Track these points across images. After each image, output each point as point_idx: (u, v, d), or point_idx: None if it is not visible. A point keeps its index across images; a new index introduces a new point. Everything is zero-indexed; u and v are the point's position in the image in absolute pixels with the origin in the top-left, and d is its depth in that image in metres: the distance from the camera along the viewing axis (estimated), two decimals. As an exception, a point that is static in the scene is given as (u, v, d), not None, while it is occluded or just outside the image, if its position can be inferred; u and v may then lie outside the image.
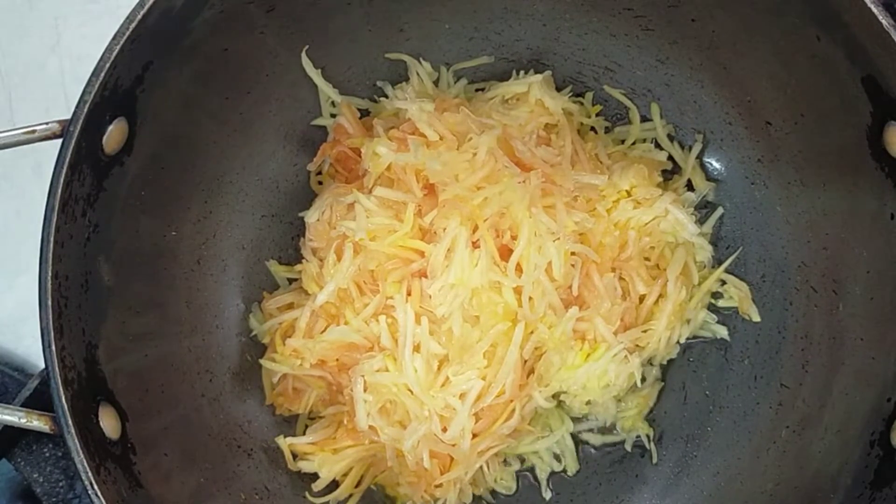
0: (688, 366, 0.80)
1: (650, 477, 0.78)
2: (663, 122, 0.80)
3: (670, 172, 0.81)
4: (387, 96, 0.80)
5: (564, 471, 0.79)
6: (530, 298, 0.71)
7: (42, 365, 0.59)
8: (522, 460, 0.79)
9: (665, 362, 0.80)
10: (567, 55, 0.80)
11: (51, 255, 0.58)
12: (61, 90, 0.88)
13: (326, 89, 0.79)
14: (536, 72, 0.80)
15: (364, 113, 0.81)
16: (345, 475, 0.75)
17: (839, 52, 0.62)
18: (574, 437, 0.79)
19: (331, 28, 0.76)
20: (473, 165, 0.72)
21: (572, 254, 0.73)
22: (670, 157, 0.80)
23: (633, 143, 0.81)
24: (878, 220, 0.66)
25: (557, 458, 0.79)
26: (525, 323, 0.71)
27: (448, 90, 0.80)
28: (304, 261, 0.78)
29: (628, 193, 0.78)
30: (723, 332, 0.79)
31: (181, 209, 0.74)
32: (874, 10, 0.58)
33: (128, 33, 0.59)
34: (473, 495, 0.77)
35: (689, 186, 0.80)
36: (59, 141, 0.59)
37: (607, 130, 0.82)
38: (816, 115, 0.69)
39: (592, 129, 0.82)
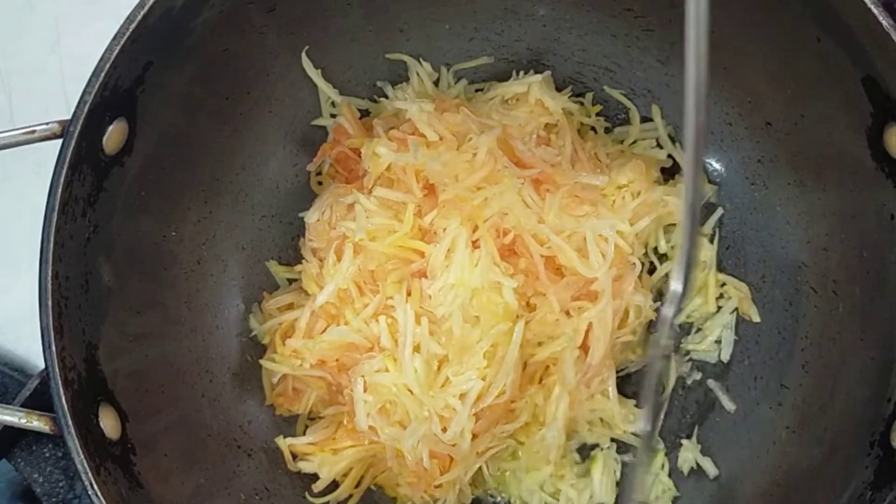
0: (688, 366, 0.80)
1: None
2: (664, 123, 0.80)
3: (671, 174, 0.81)
4: (387, 97, 0.80)
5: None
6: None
7: (42, 365, 0.58)
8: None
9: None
10: (567, 56, 0.80)
11: (51, 255, 0.58)
12: (61, 90, 0.88)
13: (326, 89, 0.79)
14: (536, 72, 0.80)
15: (364, 113, 0.81)
16: (345, 475, 0.75)
17: (839, 52, 0.62)
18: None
19: (331, 28, 0.76)
20: (473, 166, 0.73)
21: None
22: (670, 156, 0.80)
23: (634, 143, 0.81)
24: (878, 220, 0.66)
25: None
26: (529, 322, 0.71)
27: (448, 90, 0.80)
28: (304, 261, 0.78)
29: (625, 187, 0.78)
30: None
31: (181, 209, 0.74)
32: (874, 10, 0.58)
33: (128, 34, 0.59)
34: (473, 496, 0.77)
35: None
36: (59, 141, 0.59)
37: (607, 131, 0.82)
38: (816, 115, 0.69)
39: (592, 128, 0.82)
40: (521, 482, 0.76)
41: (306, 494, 0.75)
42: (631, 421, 0.78)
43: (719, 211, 0.80)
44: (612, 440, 0.78)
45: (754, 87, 0.74)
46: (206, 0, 0.65)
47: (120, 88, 0.61)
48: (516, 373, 0.71)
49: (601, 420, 0.77)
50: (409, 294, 0.72)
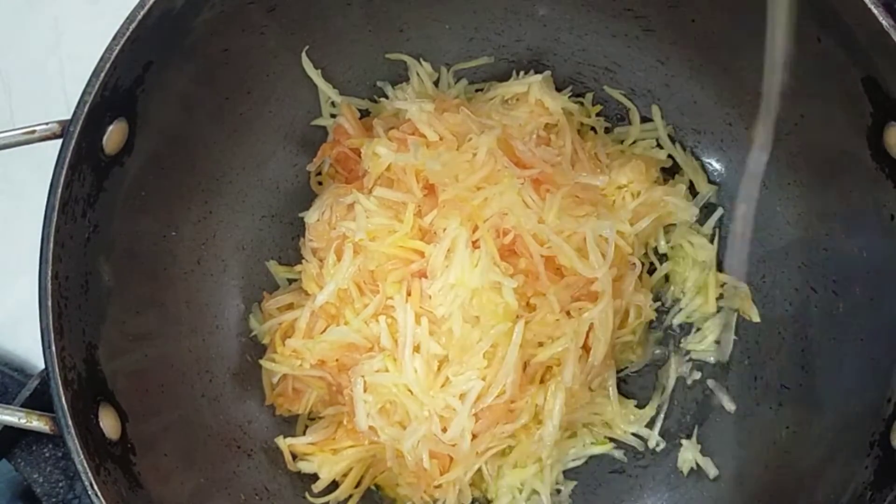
0: (688, 366, 0.80)
1: (651, 478, 0.78)
2: (664, 123, 0.80)
3: (671, 174, 0.81)
4: (387, 97, 0.80)
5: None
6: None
7: (42, 365, 0.58)
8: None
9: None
10: (567, 56, 0.80)
11: (51, 255, 0.58)
12: (61, 90, 0.88)
13: (326, 89, 0.79)
14: (536, 72, 0.80)
15: (364, 113, 0.81)
16: (344, 476, 0.75)
17: (840, 52, 0.62)
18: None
19: (331, 28, 0.76)
20: (473, 166, 0.73)
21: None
22: (670, 156, 0.81)
23: (634, 143, 0.81)
24: (878, 220, 0.66)
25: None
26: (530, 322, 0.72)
27: (448, 90, 0.80)
28: (304, 261, 0.78)
29: (625, 187, 0.78)
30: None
31: (181, 209, 0.74)
32: (875, 10, 0.58)
33: (128, 33, 0.59)
34: (472, 496, 0.77)
35: (691, 190, 0.80)
36: (59, 141, 0.59)
37: (607, 131, 0.82)
38: (816, 115, 0.69)
39: (592, 128, 0.82)
40: (502, 477, 0.76)
41: (306, 495, 0.75)
42: (631, 421, 0.78)
43: (719, 211, 0.80)
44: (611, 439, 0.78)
45: (754, 88, 0.74)
46: (207, 0, 0.65)
47: (120, 88, 0.61)
48: (516, 373, 0.71)
49: (602, 422, 0.77)
50: (409, 294, 0.72)
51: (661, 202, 0.77)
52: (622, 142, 0.81)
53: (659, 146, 0.81)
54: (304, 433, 0.77)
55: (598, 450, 0.78)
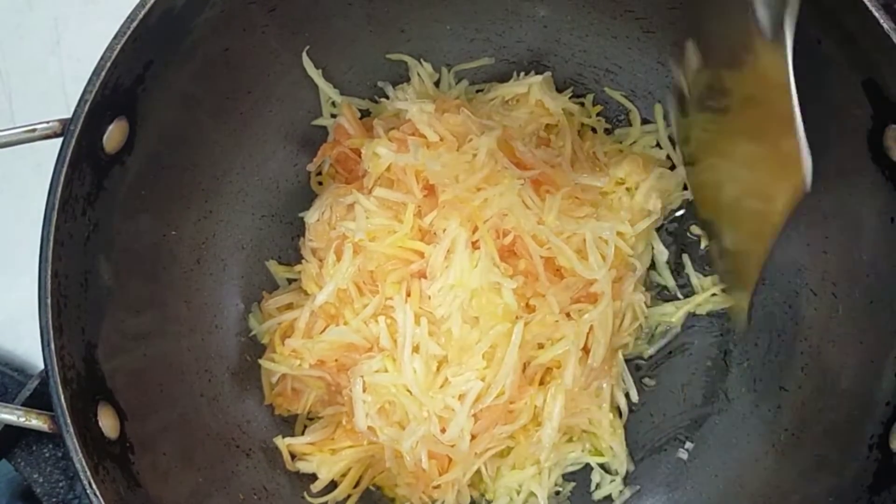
0: (687, 368, 0.80)
1: (650, 479, 0.78)
2: (665, 125, 0.80)
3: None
4: (387, 97, 0.81)
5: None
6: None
7: (42, 365, 0.58)
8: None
9: (664, 362, 0.80)
10: (568, 57, 0.80)
11: (51, 254, 0.58)
12: (61, 90, 0.88)
13: (327, 90, 0.79)
14: (537, 73, 0.80)
15: (364, 113, 0.81)
16: (343, 476, 0.75)
17: (840, 54, 0.62)
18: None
19: (332, 28, 0.76)
20: (473, 166, 0.73)
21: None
22: (668, 157, 0.81)
23: (633, 143, 0.81)
24: (877, 223, 0.66)
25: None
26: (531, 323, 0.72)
27: (449, 91, 0.81)
28: (303, 261, 0.78)
29: (623, 182, 0.78)
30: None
31: (181, 209, 0.74)
32: (875, 13, 0.58)
33: (129, 33, 0.59)
34: (471, 497, 0.77)
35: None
36: (59, 140, 0.59)
37: (608, 132, 0.82)
38: (816, 117, 0.69)
39: (593, 129, 0.82)
40: (500, 478, 0.76)
41: (305, 494, 0.75)
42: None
43: (719, 213, 0.80)
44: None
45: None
46: (207, 0, 0.65)
47: (120, 87, 0.61)
48: (516, 374, 0.71)
49: (591, 433, 0.78)
50: (408, 294, 0.72)
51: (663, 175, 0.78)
52: (622, 143, 0.81)
53: (659, 147, 0.81)
54: (302, 433, 0.77)
55: (594, 459, 0.78)
